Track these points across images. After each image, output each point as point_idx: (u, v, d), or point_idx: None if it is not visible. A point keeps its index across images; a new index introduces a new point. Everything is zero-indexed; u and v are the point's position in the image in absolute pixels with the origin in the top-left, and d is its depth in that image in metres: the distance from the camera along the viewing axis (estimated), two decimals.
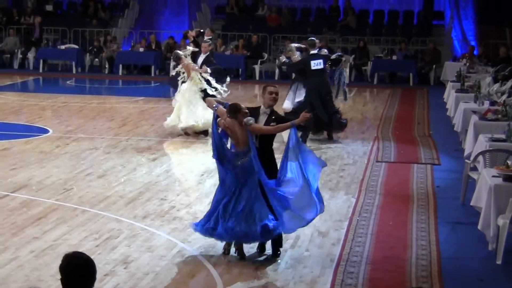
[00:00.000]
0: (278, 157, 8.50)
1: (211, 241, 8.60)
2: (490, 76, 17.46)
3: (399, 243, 8.95)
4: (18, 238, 8.76)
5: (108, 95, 22.00)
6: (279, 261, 8.28)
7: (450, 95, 17.40)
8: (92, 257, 4.46)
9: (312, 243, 8.90)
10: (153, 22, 29.53)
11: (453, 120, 15.49)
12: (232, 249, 8.45)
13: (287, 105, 15.54)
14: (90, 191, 10.88)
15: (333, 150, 14.29)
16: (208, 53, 15.53)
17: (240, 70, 25.31)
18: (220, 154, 8.35)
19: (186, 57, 15.20)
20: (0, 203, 10.22)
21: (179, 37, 26.22)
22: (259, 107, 8.54)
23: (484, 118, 12.56)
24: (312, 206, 8.22)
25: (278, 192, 8.10)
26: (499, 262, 8.34)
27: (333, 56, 15.60)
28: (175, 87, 18.42)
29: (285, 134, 9.18)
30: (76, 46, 26.58)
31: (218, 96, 14.19)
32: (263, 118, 8.44)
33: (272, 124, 8.36)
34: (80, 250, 5.86)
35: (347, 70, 15.11)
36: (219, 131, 8.45)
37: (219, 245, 8.55)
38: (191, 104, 14.98)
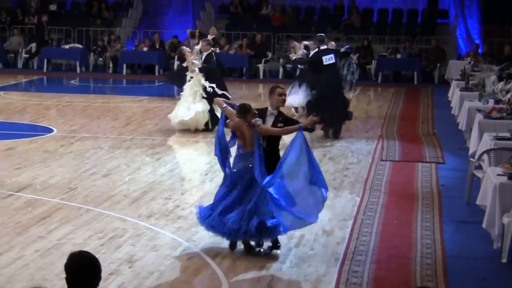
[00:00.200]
0: None
1: (215, 240, 8.60)
2: (494, 74, 17.43)
3: (404, 242, 8.94)
4: (23, 238, 8.77)
5: (112, 94, 22.01)
6: (280, 257, 8.28)
7: (454, 93, 17.37)
8: (96, 256, 4.46)
9: (317, 242, 8.89)
10: (157, 22, 29.54)
11: (457, 118, 15.47)
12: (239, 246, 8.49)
13: (293, 100, 15.85)
14: (94, 190, 10.89)
15: (337, 149, 14.28)
16: (209, 51, 15.56)
17: (244, 69, 25.31)
18: (222, 153, 8.41)
19: (196, 53, 15.49)
20: (4, 202, 10.23)
21: (183, 36, 26.26)
22: (266, 108, 8.55)
23: (489, 116, 12.54)
24: (314, 208, 8.25)
25: (280, 201, 8.10)
26: (504, 260, 8.32)
27: (342, 49, 15.84)
28: (177, 85, 18.62)
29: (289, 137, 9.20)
30: (80, 46, 26.60)
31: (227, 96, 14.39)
32: (270, 119, 8.46)
33: (279, 125, 8.42)
34: (84, 249, 5.86)
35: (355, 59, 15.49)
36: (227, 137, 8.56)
37: (224, 244, 8.55)
38: (185, 101, 15.30)
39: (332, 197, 10.62)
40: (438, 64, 24.90)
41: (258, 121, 8.18)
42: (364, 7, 28.64)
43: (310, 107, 15.12)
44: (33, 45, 26.70)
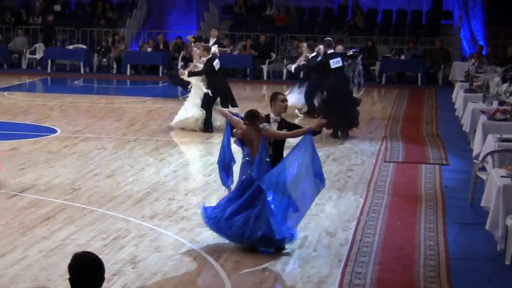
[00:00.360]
0: None
1: (219, 241, 8.62)
2: (498, 76, 17.40)
3: (407, 243, 8.94)
4: (27, 238, 8.78)
5: (116, 95, 22.01)
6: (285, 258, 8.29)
7: (458, 95, 17.36)
8: (100, 256, 4.46)
9: (320, 243, 8.89)
10: (161, 22, 29.56)
11: (461, 120, 15.46)
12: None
13: (294, 100, 16.21)
14: (98, 191, 10.90)
15: (341, 150, 14.28)
16: (210, 56, 15.55)
17: (248, 70, 25.31)
18: (225, 164, 8.57)
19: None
20: (8, 203, 10.25)
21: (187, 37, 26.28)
22: (268, 115, 8.60)
23: (493, 118, 12.53)
24: (309, 192, 8.32)
25: (277, 218, 8.17)
26: (507, 262, 8.31)
27: (350, 52, 16.00)
28: (176, 83, 18.80)
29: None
30: (84, 46, 26.63)
31: (235, 110, 14.34)
32: (273, 126, 8.55)
33: (283, 131, 8.50)
34: (88, 249, 5.86)
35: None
36: (234, 140, 8.61)
37: (228, 245, 8.56)
38: (188, 102, 15.57)
39: (336, 198, 10.62)
40: (442, 66, 24.88)
41: (266, 125, 8.30)
42: (368, 8, 28.63)
43: (321, 110, 15.30)
44: (38, 45, 26.73)
